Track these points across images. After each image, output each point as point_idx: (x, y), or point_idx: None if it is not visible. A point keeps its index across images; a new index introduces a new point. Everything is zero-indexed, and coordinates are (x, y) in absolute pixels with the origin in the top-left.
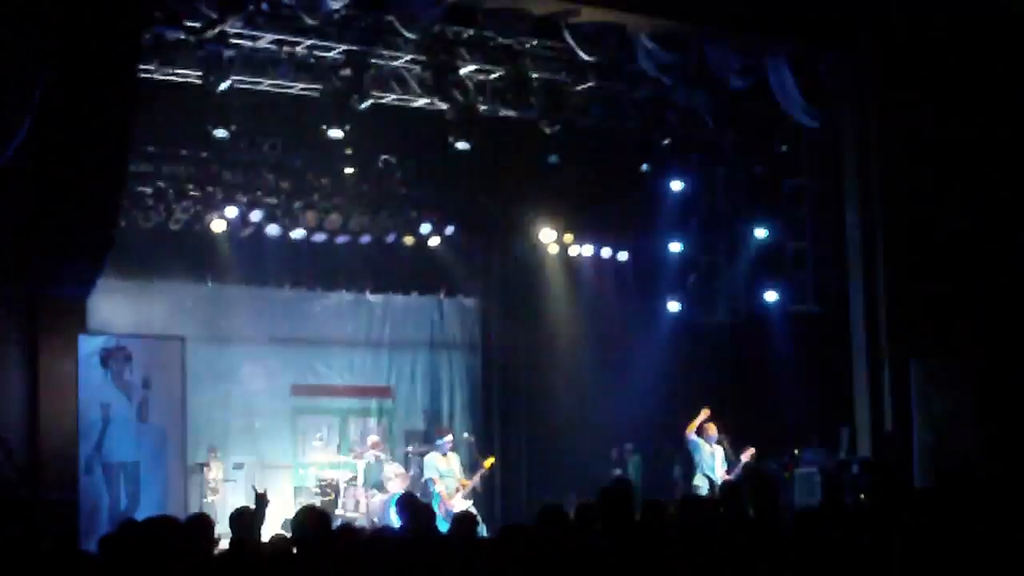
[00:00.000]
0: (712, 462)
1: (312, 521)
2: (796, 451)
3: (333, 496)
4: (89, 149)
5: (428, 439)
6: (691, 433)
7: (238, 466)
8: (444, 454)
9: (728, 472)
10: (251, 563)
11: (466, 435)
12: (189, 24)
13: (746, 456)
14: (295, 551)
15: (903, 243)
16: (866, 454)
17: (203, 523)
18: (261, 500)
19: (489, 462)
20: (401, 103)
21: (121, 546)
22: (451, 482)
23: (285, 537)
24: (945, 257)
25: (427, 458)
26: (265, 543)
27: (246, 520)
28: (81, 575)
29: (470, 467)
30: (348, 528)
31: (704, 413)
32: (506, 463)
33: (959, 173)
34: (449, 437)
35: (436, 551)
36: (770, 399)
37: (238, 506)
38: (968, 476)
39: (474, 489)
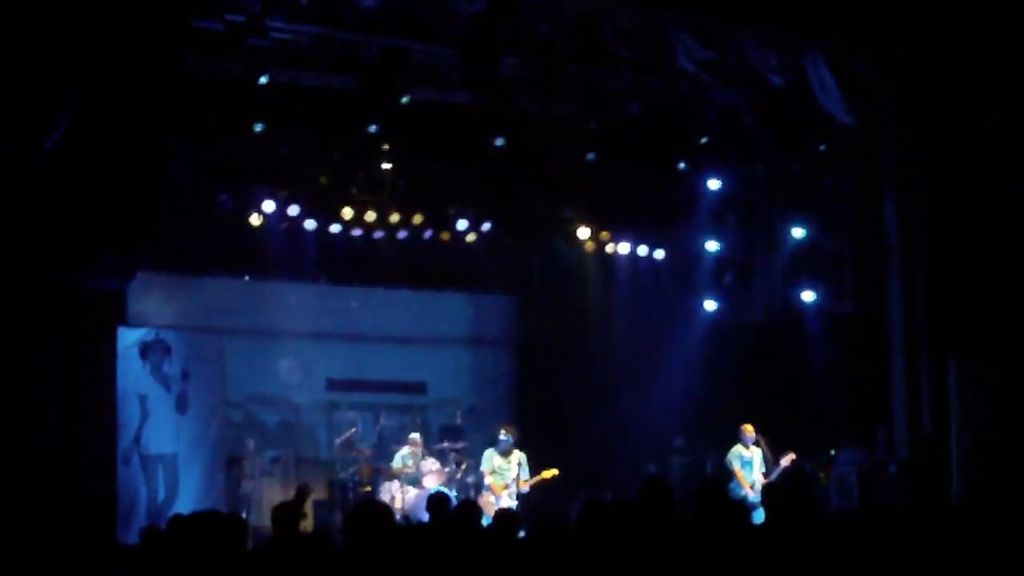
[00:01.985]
0: (751, 464)
1: (372, 517)
2: (832, 451)
3: (369, 491)
4: (129, 141)
5: (462, 435)
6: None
7: (274, 460)
8: (503, 452)
9: (766, 475)
10: (292, 558)
11: (502, 433)
12: (229, 18)
13: (786, 461)
14: (347, 546)
15: (943, 242)
16: (904, 455)
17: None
18: (302, 492)
19: (550, 473)
20: (439, 98)
21: (165, 540)
22: (502, 479)
23: (327, 531)
24: (985, 257)
25: (486, 452)
26: (306, 537)
27: (287, 515)
28: (120, 566)
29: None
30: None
31: None
32: (541, 461)
33: (999, 171)
34: (508, 436)
35: (472, 547)
36: (807, 399)
37: (276, 500)
38: (1007, 480)
39: (525, 494)
